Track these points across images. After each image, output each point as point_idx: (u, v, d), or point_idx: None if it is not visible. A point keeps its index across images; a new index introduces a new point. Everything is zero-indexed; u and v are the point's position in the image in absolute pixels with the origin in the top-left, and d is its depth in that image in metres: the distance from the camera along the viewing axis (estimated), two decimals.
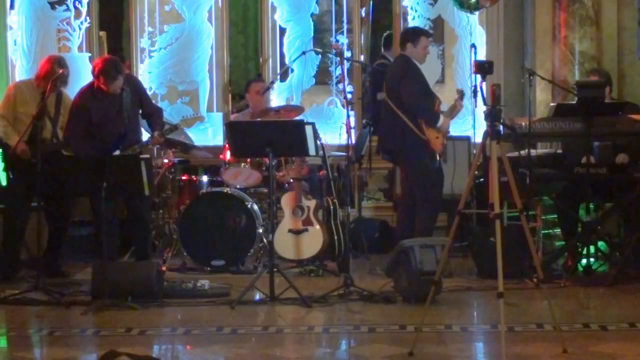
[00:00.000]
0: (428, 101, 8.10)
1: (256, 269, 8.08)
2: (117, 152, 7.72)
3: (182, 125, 8.41)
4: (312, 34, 9.96)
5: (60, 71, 7.90)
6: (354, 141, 8.49)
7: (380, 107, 8.61)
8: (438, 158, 8.17)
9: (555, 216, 8.39)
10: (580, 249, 7.84)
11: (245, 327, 6.48)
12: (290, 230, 8.31)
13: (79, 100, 7.97)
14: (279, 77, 9.72)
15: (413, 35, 8.29)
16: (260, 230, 8.34)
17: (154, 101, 9.73)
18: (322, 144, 8.25)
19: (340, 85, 9.48)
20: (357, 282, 7.33)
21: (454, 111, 8.34)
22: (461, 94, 8.37)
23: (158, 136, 7.98)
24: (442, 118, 8.08)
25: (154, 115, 8.12)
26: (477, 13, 9.69)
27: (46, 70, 8.10)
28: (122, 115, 7.87)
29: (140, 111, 8.10)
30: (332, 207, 8.46)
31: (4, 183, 8.54)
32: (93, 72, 7.90)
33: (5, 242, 8.18)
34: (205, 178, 8.79)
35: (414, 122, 7.98)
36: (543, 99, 9.60)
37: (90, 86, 7.98)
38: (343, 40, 9.91)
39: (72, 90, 8.91)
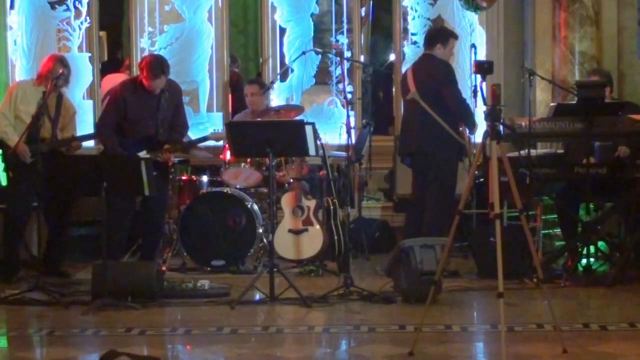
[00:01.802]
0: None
1: (256, 269, 8.08)
2: (142, 153, 7.74)
3: (211, 137, 8.41)
4: (312, 34, 9.95)
5: (61, 71, 7.90)
6: (354, 141, 8.49)
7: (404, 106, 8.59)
8: (467, 163, 8.28)
9: (555, 216, 8.39)
10: (580, 249, 7.84)
11: (245, 327, 6.48)
12: (290, 230, 8.31)
13: (119, 90, 7.99)
14: (279, 77, 9.72)
15: (443, 36, 8.26)
16: (260, 230, 8.35)
17: None
18: (322, 144, 8.25)
19: (340, 85, 9.49)
20: (357, 282, 7.33)
21: None
22: None
23: (166, 149, 7.92)
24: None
25: (176, 130, 8.08)
26: (479, 12, 9.69)
27: (48, 69, 8.10)
28: (156, 117, 7.88)
29: None
30: (332, 207, 8.47)
31: (4, 183, 8.54)
32: (140, 64, 7.93)
33: (5, 242, 8.17)
34: (205, 178, 8.79)
35: (453, 126, 7.97)
36: (543, 99, 9.60)
37: (134, 80, 8.00)
38: (343, 40, 9.90)
39: (71, 90, 8.93)
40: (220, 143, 8.72)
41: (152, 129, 7.91)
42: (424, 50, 8.37)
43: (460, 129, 8.09)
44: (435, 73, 8.09)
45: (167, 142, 7.95)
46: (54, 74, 7.99)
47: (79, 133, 8.40)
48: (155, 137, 7.91)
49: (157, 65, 7.80)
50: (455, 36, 8.44)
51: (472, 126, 8.17)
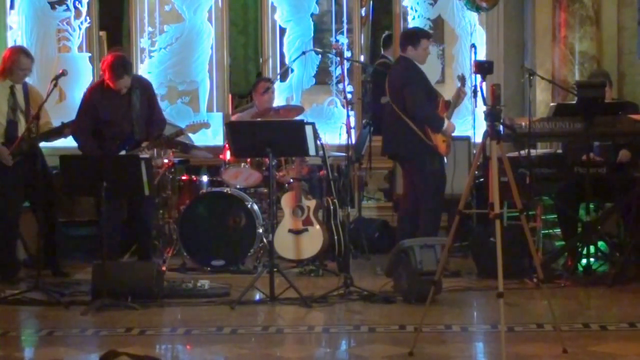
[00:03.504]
0: (432, 107, 8.08)
1: (256, 269, 8.08)
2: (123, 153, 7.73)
3: (187, 130, 8.40)
4: (312, 34, 9.96)
5: (61, 71, 7.87)
6: (354, 141, 8.49)
7: (382, 109, 8.60)
8: (446, 161, 8.23)
9: (555, 216, 8.39)
10: (580, 249, 7.83)
11: (245, 327, 6.48)
12: (290, 230, 8.31)
13: (88, 96, 7.98)
14: (279, 77, 9.72)
15: (413, 37, 8.25)
16: (260, 230, 8.34)
17: None
18: (322, 144, 8.25)
19: (340, 85, 9.49)
20: (357, 282, 7.33)
21: (458, 99, 8.31)
22: (463, 80, 8.34)
23: (145, 147, 7.93)
24: (446, 122, 8.07)
25: (153, 126, 8.06)
26: (480, 12, 9.69)
27: (12, 62, 8.05)
28: (130, 116, 7.86)
29: None
30: (332, 207, 8.47)
31: None
32: (101, 66, 7.92)
33: (2, 243, 8.12)
34: (205, 178, 8.79)
35: (420, 127, 7.97)
36: (543, 99, 9.60)
37: (100, 83, 7.99)
38: (343, 40, 9.91)
39: (71, 90, 8.94)
40: (196, 134, 8.68)
41: (128, 128, 7.88)
42: (400, 53, 8.40)
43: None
44: (400, 76, 8.10)
45: (145, 140, 7.94)
46: (20, 66, 7.99)
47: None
48: (132, 136, 7.89)
49: (118, 65, 7.77)
50: (427, 36, 8.41)
51: (436, 126, 8.05)
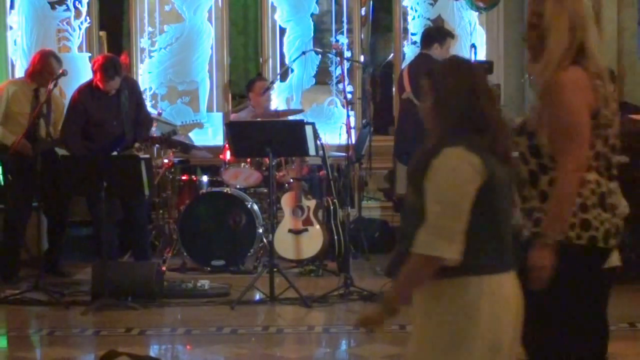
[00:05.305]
0: None
1: (256, 269, 8.08)
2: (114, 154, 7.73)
3: (180, 130, 8.41)
4: (312, 34, 9.95)
5: (61, 70, 7.87)
6: (354, 141, 8.49)
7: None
8: None
9: None
10: None
11: (245, 327, 6.48)
12: (290, 230, 8.32)
13: (77, 97, 7.93)
14: (279, 77, 9.72)
15: (441, 35, 8.28)
16: (260, 230, 8.34)
17: (153, 101, 9.76)
18: (322, 144, 8.25)
19: (340, 85, 9.48)
20: (357, 282, 7.33)
21: None
22: None
23: (137, 149, 7.94)
24: None
25: (141, 125, 8.04)
26: (482, 12, 9.69)
27: (42, 65, 8.04)
28: (120, 116, 7.85)
29: None
30: (332, 207, 8.47)
31: (2, 183, 8.51)
32: (92, 67, 7.91)
33: (6, 242, 8.15)
34: (205, 178, 8.79)
35: None
36: None
37: (89, 84, 7.96)
38: (343, 40, 9.90)
39: (71, 90, 8.90)
40: (196, 135, 8.63)
41: (118, 129, 7.87)
42: (421, 50, 8.38)
43: None
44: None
45: (135, 140, 7.93)
46: (50, 69, 7.97)
47: None
48: (123, 137, 7.87)
49: (110, 66, 7.73)
50: (452, 35, 8.47)
51: None
